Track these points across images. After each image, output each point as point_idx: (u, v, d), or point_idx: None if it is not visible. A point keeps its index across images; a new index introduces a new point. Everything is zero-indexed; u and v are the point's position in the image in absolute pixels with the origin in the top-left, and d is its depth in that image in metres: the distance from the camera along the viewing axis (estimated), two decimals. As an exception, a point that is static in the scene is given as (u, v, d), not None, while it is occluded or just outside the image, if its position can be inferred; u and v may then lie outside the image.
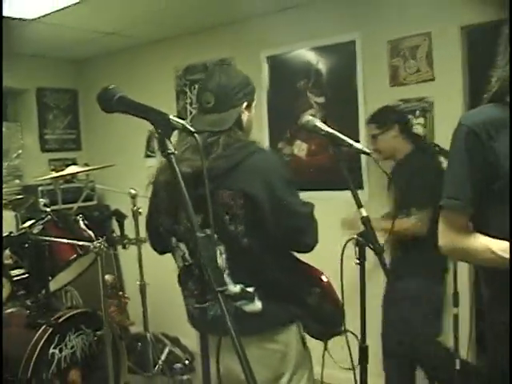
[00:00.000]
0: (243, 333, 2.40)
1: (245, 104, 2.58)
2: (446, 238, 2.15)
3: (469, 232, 2.10)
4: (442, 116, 4.51)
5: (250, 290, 2.48)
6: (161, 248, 2.78)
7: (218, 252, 2.47)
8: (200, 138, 1.99)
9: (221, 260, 2.48)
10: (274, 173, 2.50)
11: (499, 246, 1.95)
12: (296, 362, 2.60)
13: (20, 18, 4.73)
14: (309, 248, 2.64)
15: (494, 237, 1.98)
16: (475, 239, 2.07)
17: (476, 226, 2.10)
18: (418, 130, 4.61)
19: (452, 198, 2.11)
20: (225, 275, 2.46)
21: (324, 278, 2.85)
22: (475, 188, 2.06)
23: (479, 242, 2.05)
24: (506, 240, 1.89)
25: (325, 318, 2.79)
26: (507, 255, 1.89)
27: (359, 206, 2.19)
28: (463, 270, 4.18)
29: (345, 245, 2.24)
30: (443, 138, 4.32)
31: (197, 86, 2.58)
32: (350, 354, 2.34)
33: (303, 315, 2.66)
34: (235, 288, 2.48)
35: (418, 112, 4.62)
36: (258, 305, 2.49)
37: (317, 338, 2.80)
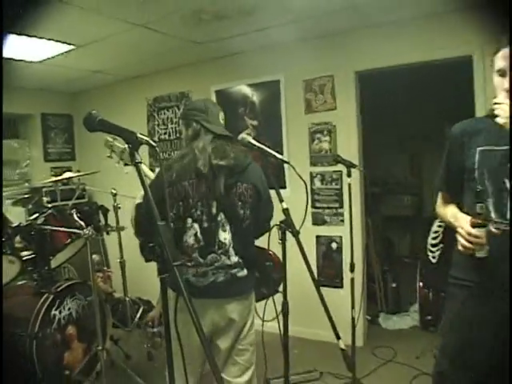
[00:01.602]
0: (235, 293, 2.54)
1: None
2: (436, 206, 2.38)
3: (447, 204, 2.29)
4: (341, 135, 4.61)
5: (242, 261, 2.53)
6: (144, 232, 2.56)
7: (227, 230, 2.50)
8: (219, 142, 2.53)
9: (228, 236, 2.50)
10: (263, 174, 2.64)
11: (451, 214, 2.17)
12: (252, 312, 2.69)
13: (28, 61, 4.65)
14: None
15: (465, 209, 2.13)
16: (446, 209, 2.28)
17: (455, 201, 2.24)
18: (325, 145, 4.68)
19: (438, 181, 2.34)
20: (230, 248, 2.49)
21: (271, 253, 2.95)
22: (451, 176, 2.24)
23: (446, 210, 2.27)
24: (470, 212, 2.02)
25: (271, 283, 2.93)
26: (452, 220, 2.13)
27: (281, 200, 2.19)
28: (358, 247, 4.27)
29: (271, 229, 2.26)
30: (343, 150, 4.43)
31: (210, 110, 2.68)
32: (275, 306, 2.36)
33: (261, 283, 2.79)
34: (235, 258, 2.50)
35: (325, 132, 4.68)
36: (245, 272, 2.54)
37: (258, 300, 2.84)
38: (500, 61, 1.98)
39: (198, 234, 2.47)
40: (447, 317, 2.34)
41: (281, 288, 2.39)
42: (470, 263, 2.05)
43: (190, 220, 2.47)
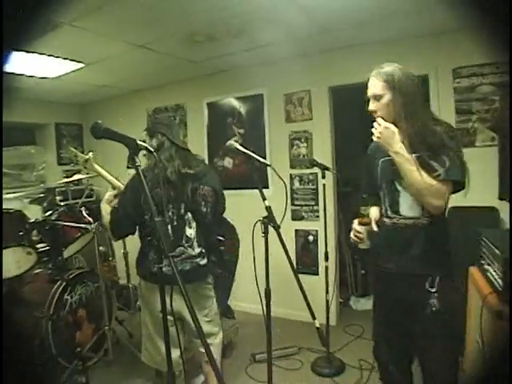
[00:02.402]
0: (199, 278, 2.63)
1: None
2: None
3: (371, 206, 2.36)
4: (317, 141, 4.62)
5: (203, 250, 2.65)
6: (122, 234, 2.65)
7: (192, 226, 2.61)
8: (183, 153, 2.59)
9: (193, 231, 2.61)
10: (218, 178, 2.78)
11: (372, 214, 2.29)
12: (213, 292, 2.80)
13: (45, 77, 4.64)
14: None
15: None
16: (370, 210, 2.35)
17: (376, 204, 2.32)
18: (303, 150, 4.69)
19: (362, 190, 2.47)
20: (194, 241, 2.61)
21: (221, 238, 3.11)
22: (368, 185, 2.34)
23: (370, 212, 2.34)
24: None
25: (225, 264, 3.23)
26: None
27: (264, 199, 2.18)
28: (331, 239, 4.28)
29: (255, 224, 2.25)
30: (318, 155, 4.44)
31: (174, 126, 2.78)
32: (259, 291, 2.34)
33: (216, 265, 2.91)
34: (198, 249, 2.62)
35: (302, 139, 4.69)
36: (205, 260, 2.66)
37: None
38: (368, 89, 2.14)
39: (169, 231, 2.54)
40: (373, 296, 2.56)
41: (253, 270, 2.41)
42: (373, 252, 2.27)
43: (173, 221, 2.57)
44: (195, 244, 2.61)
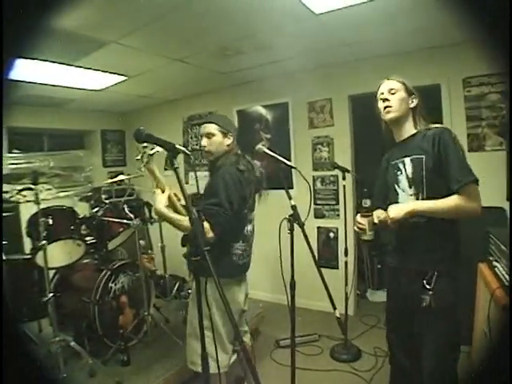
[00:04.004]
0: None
1: None
2: None
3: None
4: (338, 146, 4.61)
5: None
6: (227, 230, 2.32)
7: (249, 219, 2.51)
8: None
9: (251, 227, 2.54)
10: None
11: (377, 212, 2.16)
12: None
13: (93, 89, 4.76)
14: None
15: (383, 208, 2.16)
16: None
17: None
18: (325, 154, 4.69)
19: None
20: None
21: None
22: (380, 188, 2.30)
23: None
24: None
25: None
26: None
27: (290, 198, 2.17)
28: (350, 236, 4.26)
29: (281, 222, 2.24)
30: (339, 158, 4.43)
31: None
32: (284, 283, 2.34)
33: None
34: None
35: (324, 144, 4.68)
36: None
37: None
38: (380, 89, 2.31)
39: (252, 224, 2.56)
40: None
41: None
42: (382, 248, 2.24)
43: (253, 214, 2.57)
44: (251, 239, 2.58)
